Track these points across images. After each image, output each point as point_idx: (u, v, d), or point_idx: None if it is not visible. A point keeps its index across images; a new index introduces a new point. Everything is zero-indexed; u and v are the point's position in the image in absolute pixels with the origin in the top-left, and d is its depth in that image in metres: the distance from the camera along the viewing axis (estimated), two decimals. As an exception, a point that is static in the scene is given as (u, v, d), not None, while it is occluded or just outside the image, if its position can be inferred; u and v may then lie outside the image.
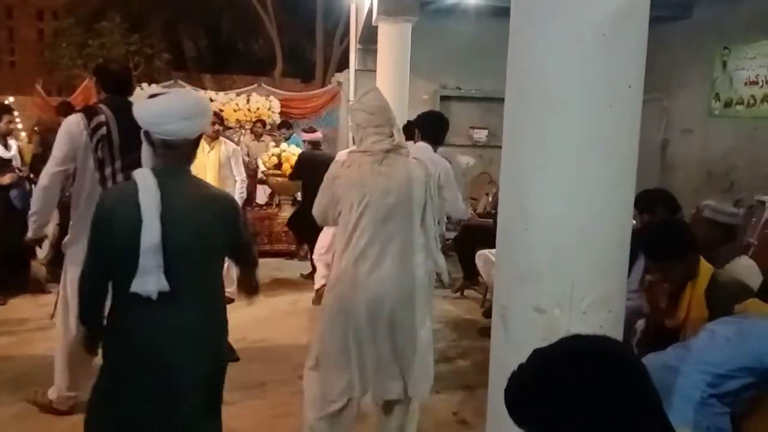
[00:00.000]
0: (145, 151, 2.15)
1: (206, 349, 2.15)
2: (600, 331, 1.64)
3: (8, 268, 5.51)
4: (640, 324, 3.13)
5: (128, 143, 3.38)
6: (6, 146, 5.50)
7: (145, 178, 2.03)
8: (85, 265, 2.15)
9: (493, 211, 6.78)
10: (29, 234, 3.50)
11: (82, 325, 2.27)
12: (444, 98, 9.23)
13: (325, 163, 3.56)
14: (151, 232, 1.96)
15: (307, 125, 8.94)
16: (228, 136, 8.23)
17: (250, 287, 2.48)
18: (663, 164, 8.18)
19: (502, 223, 1.89)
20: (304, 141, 6.87)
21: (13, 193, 5.34)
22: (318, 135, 6.54)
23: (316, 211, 2.91)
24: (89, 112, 3.43)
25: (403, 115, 6.48)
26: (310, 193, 4.24)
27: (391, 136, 2.82)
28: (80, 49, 17.14)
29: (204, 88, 12.59)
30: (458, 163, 8.21)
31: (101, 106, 3.44)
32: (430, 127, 4.76)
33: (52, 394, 3.57)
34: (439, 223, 3.02)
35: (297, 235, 7.15)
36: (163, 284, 1.98)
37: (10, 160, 5.49)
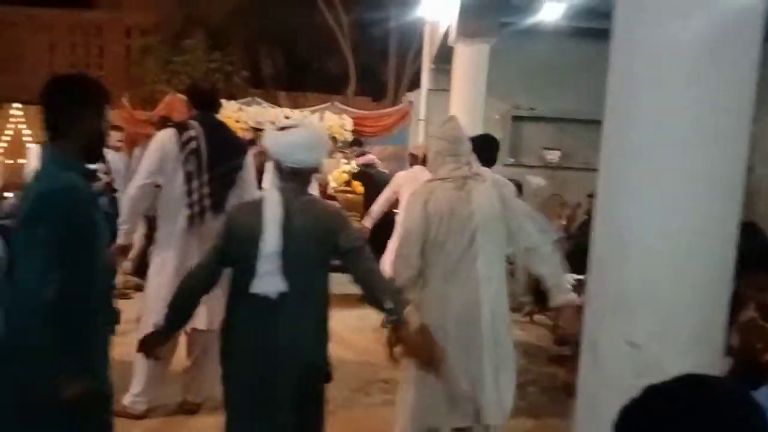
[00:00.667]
0: (270, 175, 2.42)
1: (310, 350, 2.37)
2: (698, 369, 1.54)
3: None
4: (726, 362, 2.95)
5: (216, 158, 3.54)
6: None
7: (271, 195, 2.33)
8: (202, 261, 2.42)
9: (565, 235, 6.60)
10: (119, 240, 3.65)
11: (164, 321, 2.41)
12: (516, 118, 9.11)
13: (383, 180, 3.71)
14: (271, 240, 2.23)
15: (377, 142, 9.02)
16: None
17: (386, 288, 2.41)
18: (748, 190, 7.75)
19: (596, 251, 1.81)
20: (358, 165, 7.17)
21: (102, 200, 5.59)
22: (369, 158, 6.83)
23: (404, 232, 2.96)
24: (181, 127, 3.60)
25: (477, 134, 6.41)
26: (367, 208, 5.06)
27: (468, 164, 3.00)
28: (164, 66, 17.95)
29: (279, 106, 12.90)
30: (528, 184, 8.07)
31: (192, 122, 3.60)
32: (482, 150, 4.75)
33: (126, 398, 3.68)
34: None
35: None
36: (282, 285, 2.23)
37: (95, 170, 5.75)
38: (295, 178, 2.38)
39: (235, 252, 2.33)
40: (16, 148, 10.49)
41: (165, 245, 3.62)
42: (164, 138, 3.56)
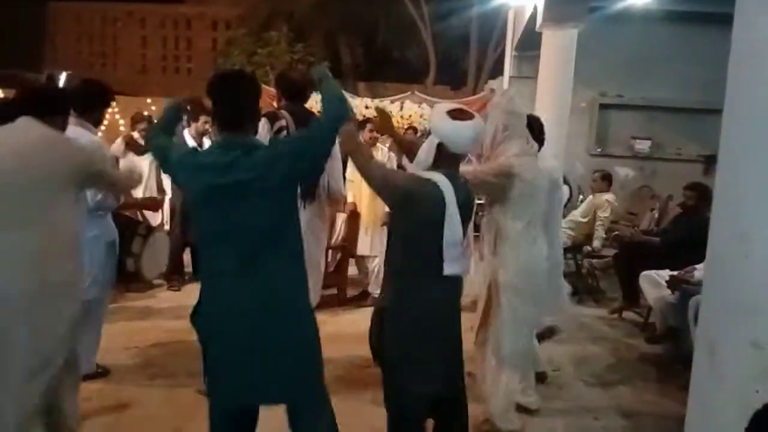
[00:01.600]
0: (424, 154, 2.48)
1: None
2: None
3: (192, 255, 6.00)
4: None
5: None
6: (201, 145, 6.01)
7: (444, 181, 2.40)
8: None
9: (656, 228, 6.31)
10: None
11: None
12: (603, 106, 8.76)
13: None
14: (454, 229, 2.38)
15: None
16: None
17: None
18: None
19: (714, 248, 1.69)
20: None
21: None
22: None
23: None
24: (272, 116, 3.70)
25: (563, 123, 6.22)
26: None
27: (528, 140, 3.25)
28: (249, 57, 18.43)
29: (358, 96, 13.00)
30: (616, 174, 7.76)
31: (282, 111, 3.69)
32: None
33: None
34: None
35: None
36: (468, 265, 2.55)
37: None
38: (453, 162, 2.49)
39: (413, 227, 2.43)
40: (112, 136, 11.05)
41: None
42: (257, 128, 3.69)
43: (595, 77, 8.23)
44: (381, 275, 5.04)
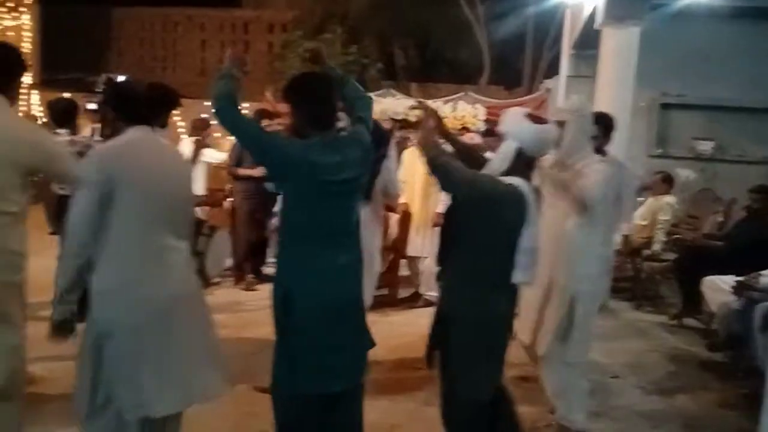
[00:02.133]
0: (499, 159, 2.46)
1: None
2: None
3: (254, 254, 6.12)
4: None
5: None
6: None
7: (526, 186, 2.37)
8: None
9: (719, 232, 6.08)
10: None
11: None
12: (664, 106, 8.50)
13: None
14: (533, 236, 2.36)
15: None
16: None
17: None
18: None
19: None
20: None
21: (269, 184, 5.92)
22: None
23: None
24: None
25: (623, 124, 6.06)
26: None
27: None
28: (304, 60, 18.68)
29: (411, 97, 13.01)
30: (677, 176, 7.52)
31: (340, 113, 3.76)
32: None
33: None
34: None
35: None
36: (534, 274, 2.42)
37: None
38: (530, 167, 2.48)
39: (491, 232, 2.41)
40: (172, 136, 11.39)
41: None
42: None
43: (655, 76, 7.98)
44: (431, 276, 5.07)
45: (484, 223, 2.39)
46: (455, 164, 2.47)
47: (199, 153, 6.25)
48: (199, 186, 6.13)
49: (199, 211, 5.61)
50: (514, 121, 2.46)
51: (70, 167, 2.52)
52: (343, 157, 2.30)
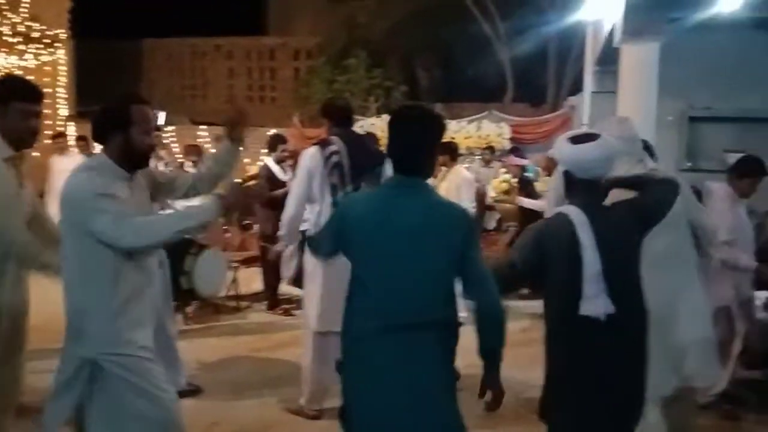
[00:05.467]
0: (558, 189, 2.43)
1: (643, 371, 2.32)
2: None
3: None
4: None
5: (357, 168, 3.75)
6: (284, 170, 6.31)
7: (578, 215, 2.25)
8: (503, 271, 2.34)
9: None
10: (277, 247, 4.12)
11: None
12: (692, 119, 8.40)
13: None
14: (593, 262, 2.19)
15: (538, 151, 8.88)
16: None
17: None
18: None
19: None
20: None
21: None
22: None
23: None
24: (323, 143, 3.83)
25: (649, 139, 6.01)
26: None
27: (641, 161, 3.03)
28: (329, 85, 18.93)
29: (437, 116, 13.05)
30: (709, 190, 7.39)
31: (333, 137, 3.82)
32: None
33: (302, 399, 3.93)
34: None
35: None
36: (610, 307, 2.18)
37: (285, 182, 6.15)
38: (590, 190, 2.33)
39: (553, 272, 2.28)
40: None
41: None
42: (308, 156, 3.84)
43: (683, 89, 7.91)
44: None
45: (543, 264, 2.30)
46: (499, 261, 2.45)
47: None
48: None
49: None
50: (558, 145, 2.42)
51: None
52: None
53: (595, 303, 2.18)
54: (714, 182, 7.87)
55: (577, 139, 2.35)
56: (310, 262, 3.84)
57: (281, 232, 3.98)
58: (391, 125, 2.25)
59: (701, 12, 6.30)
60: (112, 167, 2.34)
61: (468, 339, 2.26)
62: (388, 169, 3.80)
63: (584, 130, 2.52)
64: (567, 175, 2.34)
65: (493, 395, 2.23)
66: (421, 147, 2.20)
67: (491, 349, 2.19)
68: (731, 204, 4.03)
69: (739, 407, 4.09)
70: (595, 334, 2.21)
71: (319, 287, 3.78)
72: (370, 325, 2.13)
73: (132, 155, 2.36)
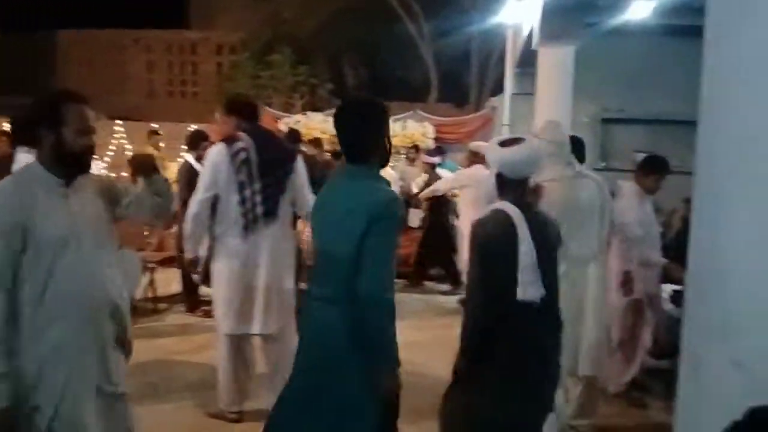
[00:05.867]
0: (490, 187, 2.55)
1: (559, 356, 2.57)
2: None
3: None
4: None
5: (266, 166, 3.65)
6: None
7: (514, 211, 2.41)
8: (477, 302, 2.45)
9: (662, 243, 6.25)
10: (186, 255, 3.89)
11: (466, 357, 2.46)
12: (605, 121, 8.79)
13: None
14: (529, 252, 2.36)
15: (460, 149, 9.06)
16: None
17: None
18: None
19: (694, 265, 1.70)
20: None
21: None
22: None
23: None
24: (230, 140, 3.69)
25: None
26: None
27: (570, 164, 3.59)
28: (253, 80, 18.63)
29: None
30: (620, 189, 7.74)
31: (240, 133, 3.69)
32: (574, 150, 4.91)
33: (221, 403, 3.83)
34: None
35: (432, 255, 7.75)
36: (542, 290, 2.37)
37: None
38: (519, 189, 2.52)
39: (499, 267, 2.41)
40: (119, 161, 11.16)
41: (223, 254, 3.72)
42: (214, 153, 3.69)
43: (596, 92, 8.27)
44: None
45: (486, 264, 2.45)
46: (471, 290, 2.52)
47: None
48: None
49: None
50: (490, 149, 2.60)
51: None
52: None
53: (532, 288, 2.37)
54: (625, 181, 8.31)
55: (505, 143, 2.53)
56: (217, 263, 3.73)
57: (185, 232, 3.79)
58: (337, 118, 2.38)
59: (615, 18, 6.58)
60: (36, 177, 2.23)
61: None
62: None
63: (510, 135, 2.79)
64: (499, 176, 2.52)
65: (386, 390, 2.28)
66: (364, 136, 2.33)
67: (371, 338, 2.24)
68: (638, 200, 4.24)
69: (647, 395, 4.31)
70: (527, 319, 2.41)
71: (226, 289, 3.66)
72: (309, 295, 2.44)
73: (65, 158, 2.22)
